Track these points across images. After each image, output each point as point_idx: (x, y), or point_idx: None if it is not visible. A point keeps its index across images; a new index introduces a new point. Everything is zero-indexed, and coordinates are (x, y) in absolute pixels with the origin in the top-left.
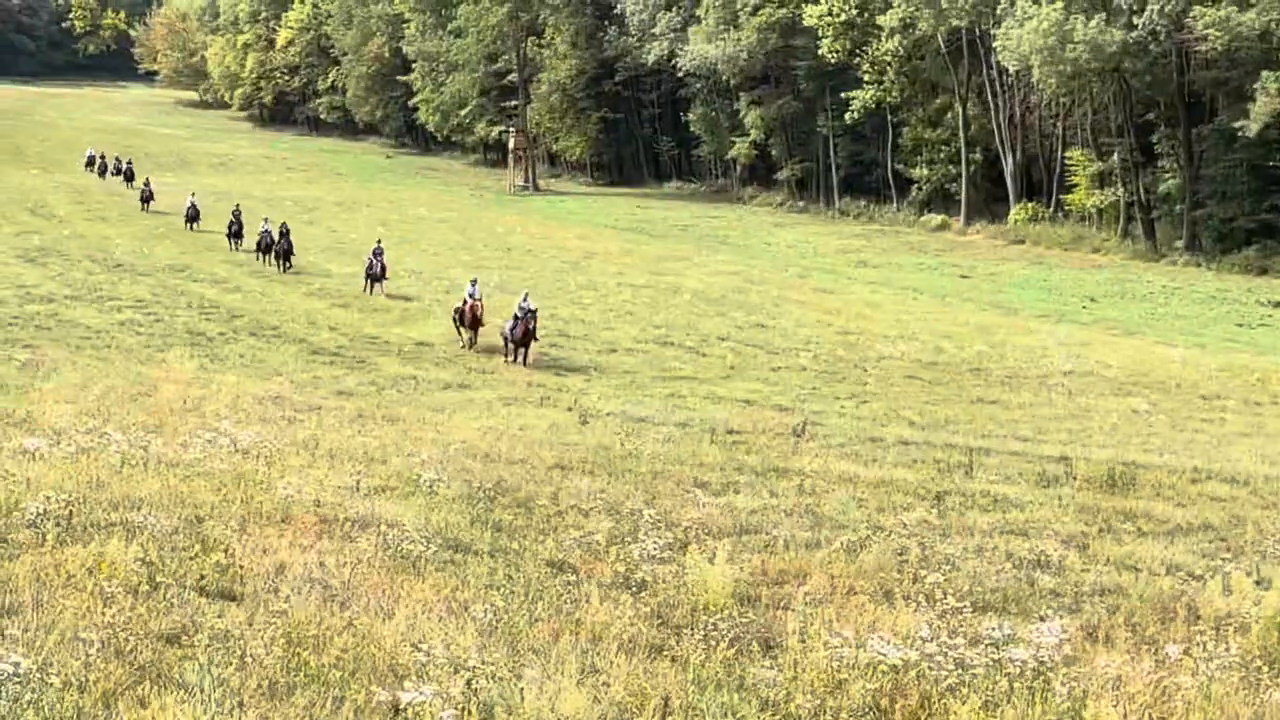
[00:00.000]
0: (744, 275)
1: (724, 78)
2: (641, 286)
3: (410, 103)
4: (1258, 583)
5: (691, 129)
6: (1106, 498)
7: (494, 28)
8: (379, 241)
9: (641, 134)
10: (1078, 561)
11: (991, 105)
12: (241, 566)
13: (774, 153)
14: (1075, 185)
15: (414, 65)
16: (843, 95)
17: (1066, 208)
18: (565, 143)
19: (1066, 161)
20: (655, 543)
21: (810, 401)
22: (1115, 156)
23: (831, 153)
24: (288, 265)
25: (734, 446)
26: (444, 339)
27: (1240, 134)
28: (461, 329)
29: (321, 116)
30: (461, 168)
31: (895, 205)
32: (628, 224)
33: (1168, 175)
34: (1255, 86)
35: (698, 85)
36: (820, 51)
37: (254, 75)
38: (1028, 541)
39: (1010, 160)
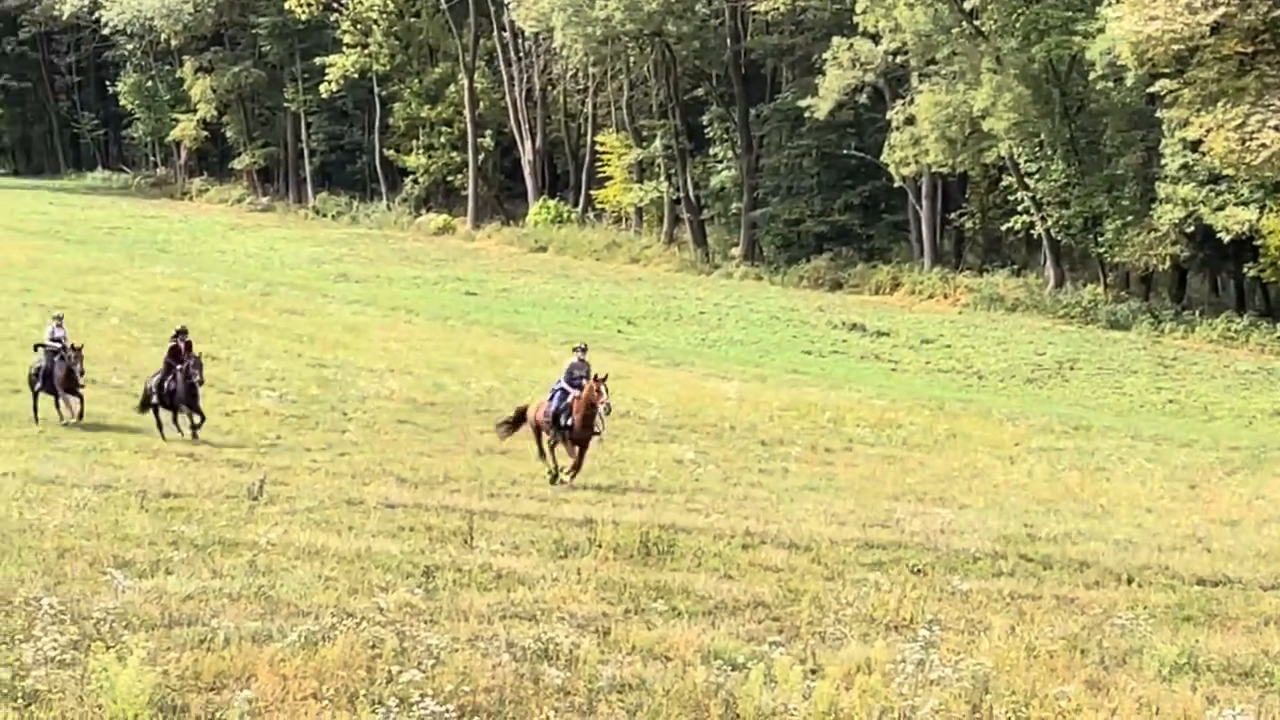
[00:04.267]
0: (190, 293)
1: (163, 37)
2: (55, 307)
3: None
4: (813, 670)
5: (122, 103)
6: (637, 570)
7: None
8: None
9: (56, 109)
10: (595, 651)
11: (505, 76)
12: None
13: (230, 135)
14: (609, 179)
15: None
16: (317, 61)
17: (598, 206)
18: None
19: (598, 148)
20: (54, 640)
21: (273, 454)
22: (658, 142)
23: (304, 135)
24: None
25: (170, 514)
26: None
27: (808, 115)
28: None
29: None
30: None
31: (385, 202)
32: (38, 226)
33: (722, 166)
34: (824, 56)
35: (129, 47)
36: (287, 4)
37: None
38: (535, 627)
39: (529, 146)
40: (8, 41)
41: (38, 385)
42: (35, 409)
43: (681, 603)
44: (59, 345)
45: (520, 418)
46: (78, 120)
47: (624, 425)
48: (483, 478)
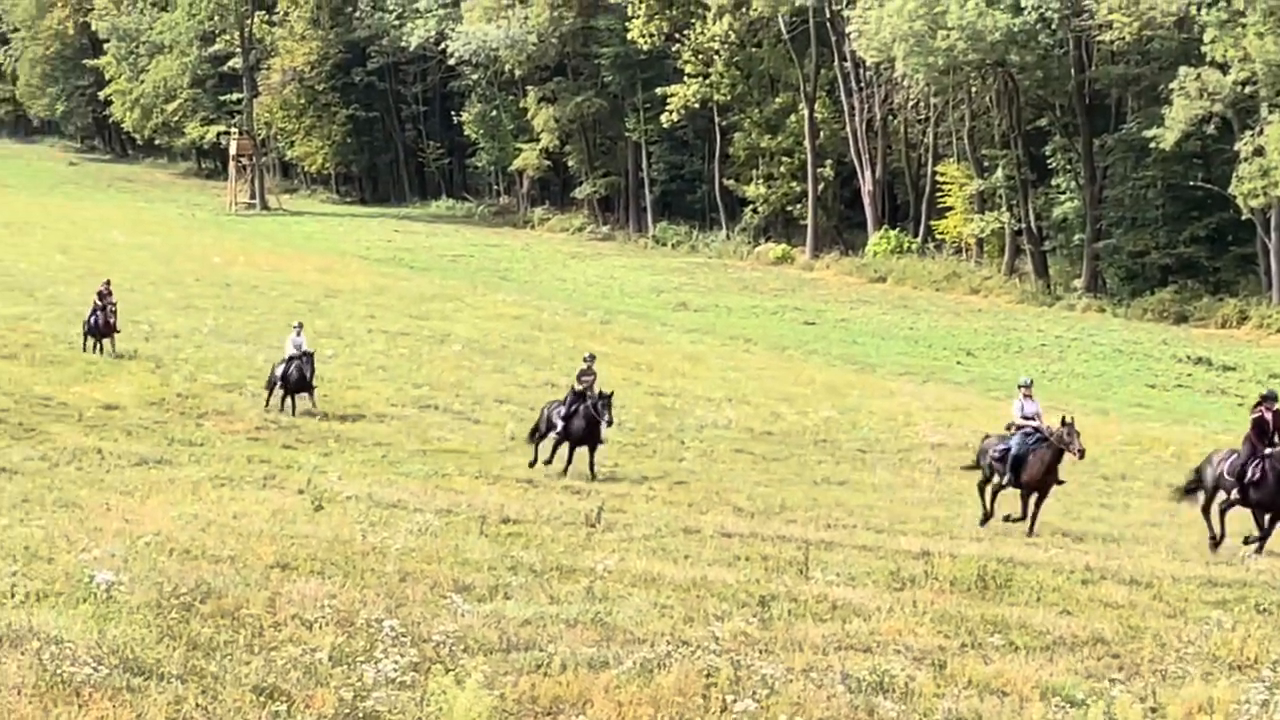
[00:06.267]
0: (531, 320)
1: (507, 67)
2: (399, 334)
3: (102, 94)
4: (1153, 709)
5: (466, 132)
6: (975, 603)
7: None
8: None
9: (402, 138)
10: (930, 684)
11: (845, 107)
12: None
13: (571, 164)
14: (949, 209)
15: (107, 46)
16: (658, 91)
17: (938, 237)
18: (303, 148)
19: (938, 178)
20: (394, 662)
21: (610, 482)
22: (999, 173)
23: (644, 164)
24: None
25: (509, 539)
26: (139, 400)
27: (1153, 146)
28: None
29: None
30: (168, 179)
31: (724, 232)
32: (383, 253)
33: (1064, 197)
34: (1171, 86)
35: (474, 77)
36: (630, 35)
37: None
38: (870, 659)
39: (869, 176)
40: (356, 72)
41: None
42: None
43: (1019, 637)
44: None
45: None
46: (423, 149)
47: (961, 457)
48: (819, 508)
